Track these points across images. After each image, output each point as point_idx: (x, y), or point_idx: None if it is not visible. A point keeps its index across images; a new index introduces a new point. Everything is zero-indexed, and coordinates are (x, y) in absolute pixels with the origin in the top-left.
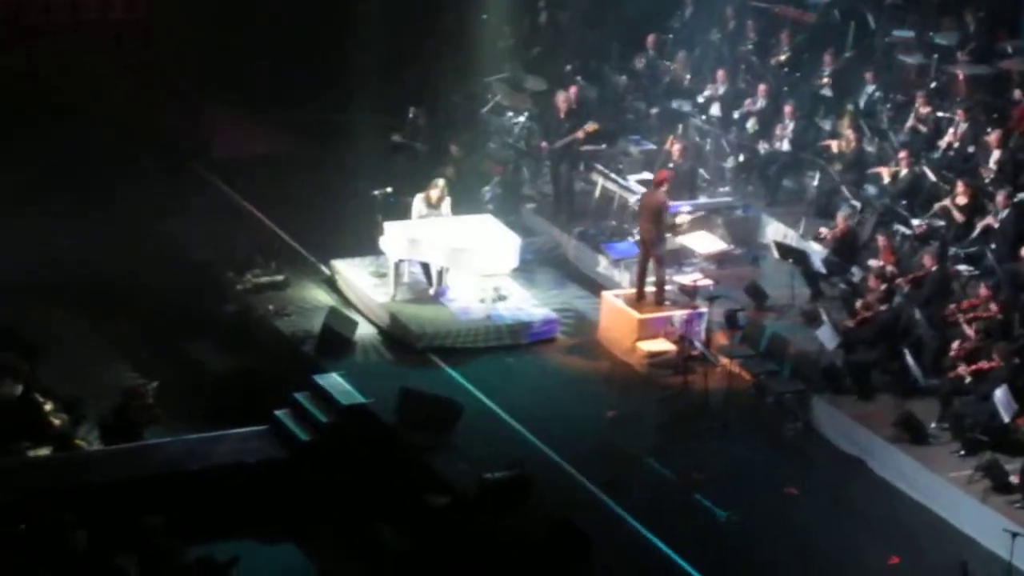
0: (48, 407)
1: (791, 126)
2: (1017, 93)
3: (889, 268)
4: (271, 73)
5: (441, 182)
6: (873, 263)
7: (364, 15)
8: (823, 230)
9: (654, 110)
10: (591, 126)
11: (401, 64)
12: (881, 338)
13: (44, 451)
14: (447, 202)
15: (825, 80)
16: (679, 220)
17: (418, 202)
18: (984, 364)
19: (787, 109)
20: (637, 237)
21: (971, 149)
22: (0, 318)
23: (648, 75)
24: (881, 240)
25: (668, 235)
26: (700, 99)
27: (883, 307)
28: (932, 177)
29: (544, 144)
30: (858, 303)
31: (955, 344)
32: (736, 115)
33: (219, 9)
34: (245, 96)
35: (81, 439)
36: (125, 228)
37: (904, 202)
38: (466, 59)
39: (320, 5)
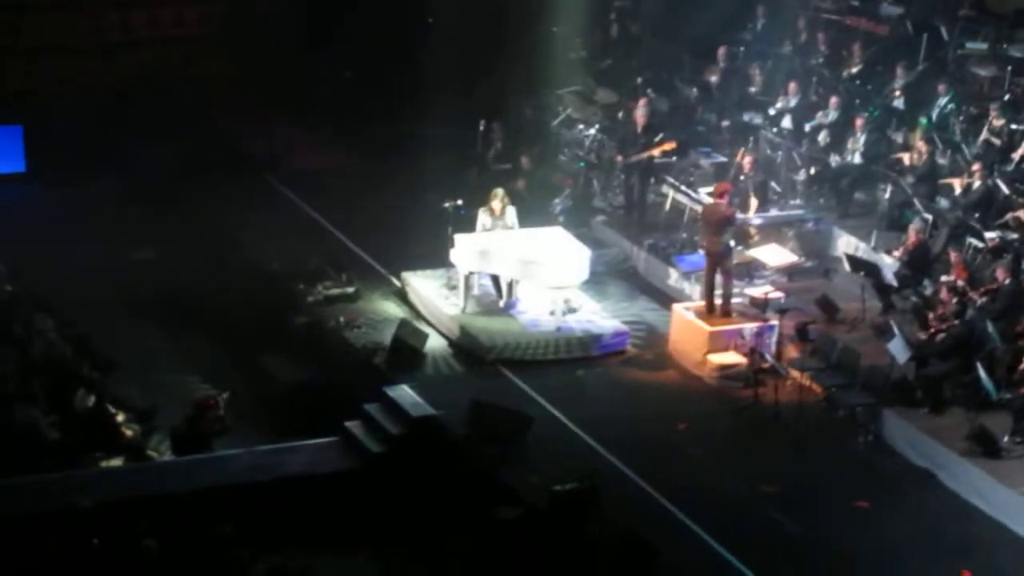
0: (120, 417)
1: (862, 139)
2: None
3: (960, 282)
4: (344, 87)
5: (500, 191)
6: (945, 278)
7: (435, 28)
8: (898, 245)
9: (725, 122)
10: (668, 144)
11: (472, 77)
12: (953, 351)
13: (117, 461)
14: (511, 211)
15: (897, 93)
16: (751, 230)
17: (482, 215)
18: None
19: (858, 122)
20: (703, 249)
21: None
22: (75, 329)
23: (719, 87)
24: (953, 255)
25: (739, 247)
26: (771, 111)
27: (956, 320)
28: (1005, 190)
29: (620, 157)
30: (930, 316)
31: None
32: (807, 128)
33: (292, 24)
34: (318, 110)
35: (153, 450)
36: (198, 240)
37: (977, 215)
38: (537, 71)
39: (391, 19)
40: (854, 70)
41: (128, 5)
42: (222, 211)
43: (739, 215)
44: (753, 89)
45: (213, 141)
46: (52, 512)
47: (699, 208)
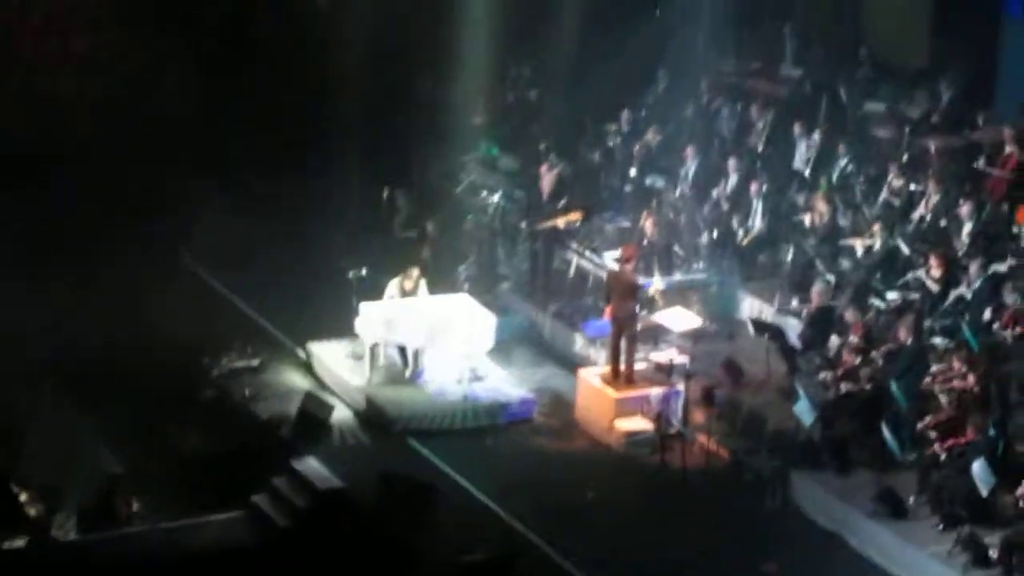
0: (24, 496)
1: (759, 204)
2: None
3: (855, 338)
4: (248, 152)
5: (416, 272)
6: (850, 339)
7: (341, 87)
8: (796, 303)
9: (628, 186)
10: (575, 213)
11: (377, 142)
12: (858, 412)
13: (19, 541)
14: (423, 290)
15: (803, 159)
16: (652, 294)
17: (392, 288)
18: (961, 438)
19: (753, 187)
20: (606, 311)
21: (944, 221)
22: None
23: (621, 151)
24: (849, 314)
25: (643, 311)
26: (675, 176)
27: (861, 381)
28: (906, 250)
29: (524, 224)
30: (831, 376)
31: (928, 417)
32: (714, 194)
33: (197, 88)
34: (221, 175)
35: (58, 528)
36: (102, 309)
37: (879, 275)
38: (439, 137)
39: (296, 84)
40: (759, 145)
41: (31, 73)
42: (125, 281)
43: (643, 280)
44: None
45: (115, 209)
46: None
47: (604, 274)
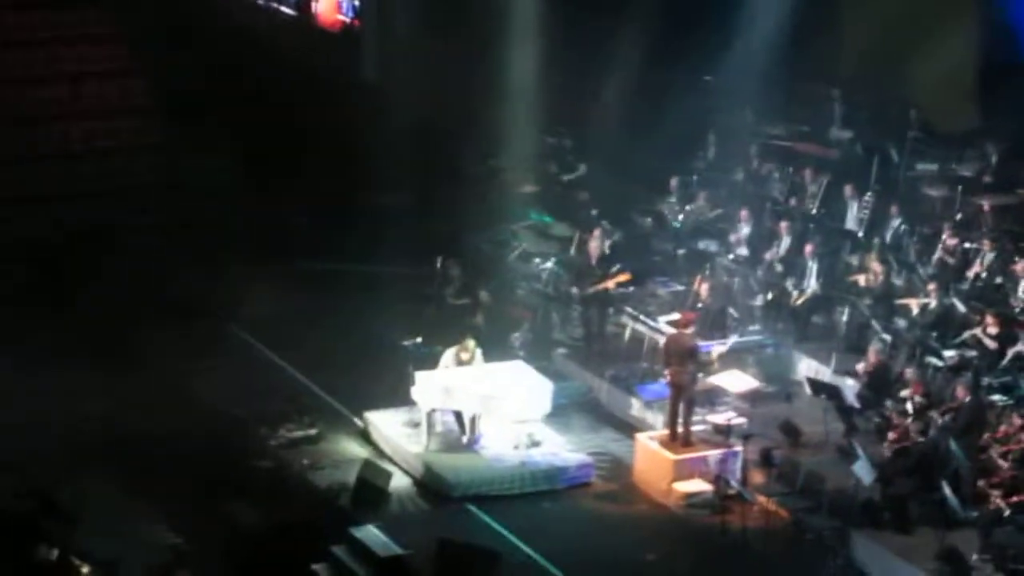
0: (84, 570)
1: (814, 266)
2: None
3: (919, 399)
4: (295, 225)
5: (472, 344)
6: (905, 393)
7: (389, 163)
8: (860, 367)
9: (680, 251)
10: (623, 275)
11: (427, 213)
12: (918, 471)
13: None
14: (479, 360)
15: (856, 220)
16: (712, 357)
17: (448, 358)
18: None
19: (808, 248)
20: (666, 378)
21: (999, 279)
22: (33, 482)
23: (672, 217)
24: (908, 372)
25: (700, 374)
26: (733, 238)
27: (920, 439)
28: (961, 308)
29: (575, 290)
30: (891, 435)
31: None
32: (767, 256)
33: (241, 167)
34: (269, 251)
35: None
36: (156, 387)
37: (935, 334)
38: (490, 206)
39: (343, 154)
40: (812, 207)
41: (74, 157)
42: (177, 357)
43: (703, 343)
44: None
45: (164, 286)
46: None
47: (659, 337)
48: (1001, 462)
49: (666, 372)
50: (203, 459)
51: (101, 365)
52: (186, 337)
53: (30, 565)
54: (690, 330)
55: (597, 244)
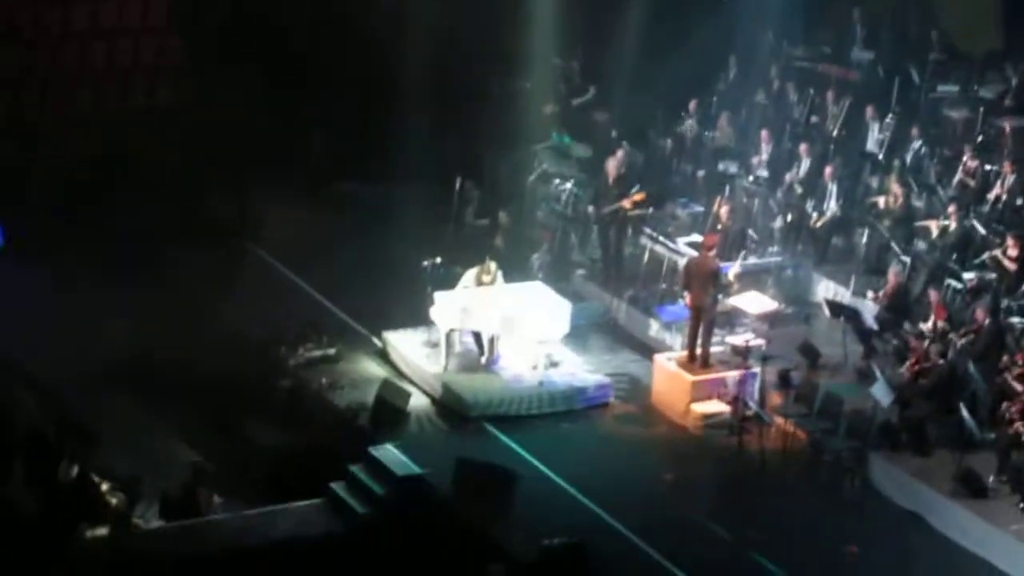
0: (105, 487)
1: (834, 188)
2: None
3: (940, 323)
4: (317, 147)
5: (494, 266)
6: (922, 325)
7: (409, 86)
8: (871, 294)
9: (701, 172)
10: (637, 195)
11: (447, 134)
12: (936, 393)
13: (102, 531)
14: (499, 282)
15: (877, 142)
16: (731, 278)
17: (468, 279)
18: None
19: (827, 170)
20: (686, 300)
21: (1020, 201)
22: (57, 399)
23: (693, 138)
24: (932, 295)
25: (720, 296)
26: (751, 160)
27: (940, 361)
28: (982, 230)
29: (593, 209)
30: (910, 358)
31: (1007, 403)
32: (787, 178)
33: (265, 89)
34: (291, 172)
35: (139, 518)
36: (177, 307)
37: (954, 256)
38: (511, 127)
39: (364, 77)
40: (835, 130)
41: (99, 78)
42: (199, 278)
43: (723, 265)
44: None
45: (187, 208)
46: None
47: (678, 258)
48: (1018, 386)
49: (685, 294)
50: (223, 378)
51: (126, 285)
52: (209, 258)
53: (51, 482)
54: (713, 253)
55: (614, 164)
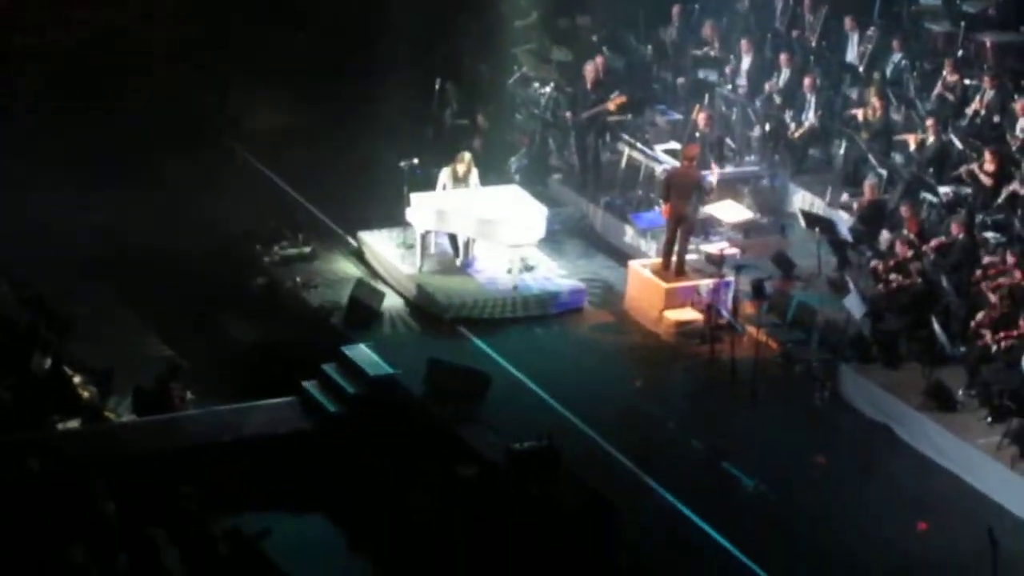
0: (78, 379)
1: (813, 99)
2: None
3: (912, 236)
4: (298, 46)
5: (468, 156)
6: (903, 233)
7: None
8: (846, 197)
9: (680, 80)
10: (618, 99)
11: (427, 36)
12: (909, 307)
13: (74, 423)
14: (474, 175)
15: (857, 54)
16: (711, 181)
17: (444, 175)
18: (1011, 332)
19: (806, 81)
20: (662, 209)
21: (998, 117)
22: (32, 289)
23: (674, 46)
24: (904, 209)
25: (698, 205)
26: (727, 69)
27: (911, 275)
28: (959, 145)
29: (571, 115)
30: (882, 268)
31: (980, 313)
32: (766, 88)
33: None
34: (272, 70)
35: (111, 411)
36: (154, 202)
37: (931, 170)
38: (492, 30)
39: None
40: (812, 40)
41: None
42: (177, 172)
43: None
44: (707, 48)
45: (169, 102)
46: (6, 476)
47: (655, 165)
48: (992, 299)
49: (662, 203)
50: (198, 274)
51: (104, 178)
52: (188, 154)
53: (24, 372)
54: (694, 163)
55: (592, 69)
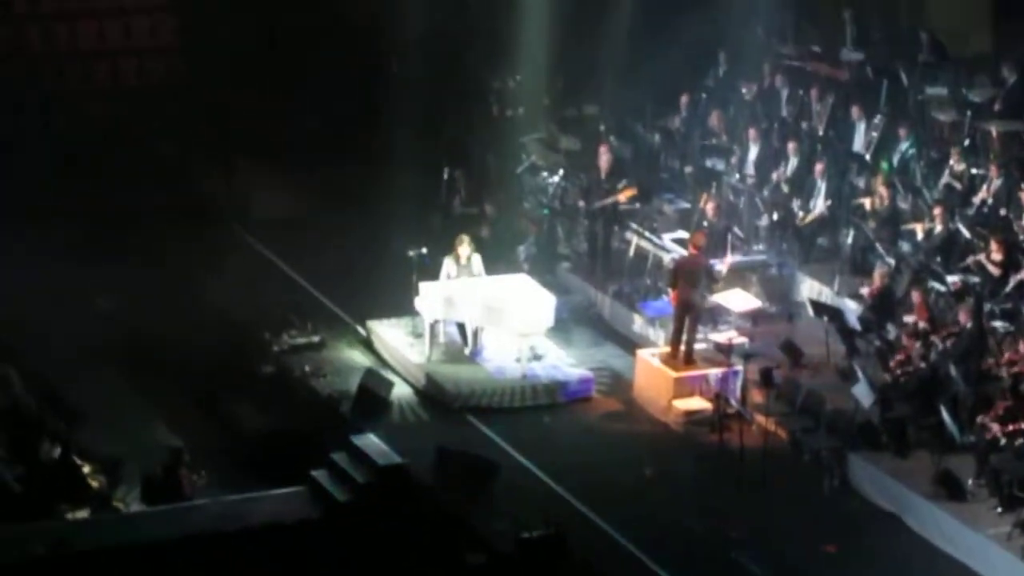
0: (87, 469)
1: (823, 186)
2: None
3: (922, 324)
4: (306, 133)
5: (466, 238)
6: (909, 319)
7: (398, 76)
8: (864, 290)
9: (688, 168)
10: (628, 190)
11: (435, 125)
12: (917, 394)
13: (83, 513)
14: (477, 258)
15: (864, 142)
16: (720, 270)
17: (447, 263)
18: (1021, 422)
19: (818, 167)
20: (670, 296)
21: (1005, 206)
22: (39, 380)
23: (682, 134)
24: (915, 296)
25: (705, 293)
26: (733, 159)
27: (920, 363)
28: (966, 233)
29: (582, 203)
30: (893, 360)
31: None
32: (774, 176)
33: (255, 71)
34: (279, 156)
35: (119, 500)
36: (162, 288)
37: (939, 258)
38: (500, 120)
39: (353, 66)
40: (820, 129)
41: (91, 56)
42: (185, 259)
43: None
44: (714, 139)
45: (176, 189)
46: (13, 564)
47: (663, 254)
48: (1003, 388)
49: (670, 291)
50: (206, 362)
51: (112, 262)
52: (196, 239)
53: (33, 461)
54: (701, 251)
55: (606, 159)
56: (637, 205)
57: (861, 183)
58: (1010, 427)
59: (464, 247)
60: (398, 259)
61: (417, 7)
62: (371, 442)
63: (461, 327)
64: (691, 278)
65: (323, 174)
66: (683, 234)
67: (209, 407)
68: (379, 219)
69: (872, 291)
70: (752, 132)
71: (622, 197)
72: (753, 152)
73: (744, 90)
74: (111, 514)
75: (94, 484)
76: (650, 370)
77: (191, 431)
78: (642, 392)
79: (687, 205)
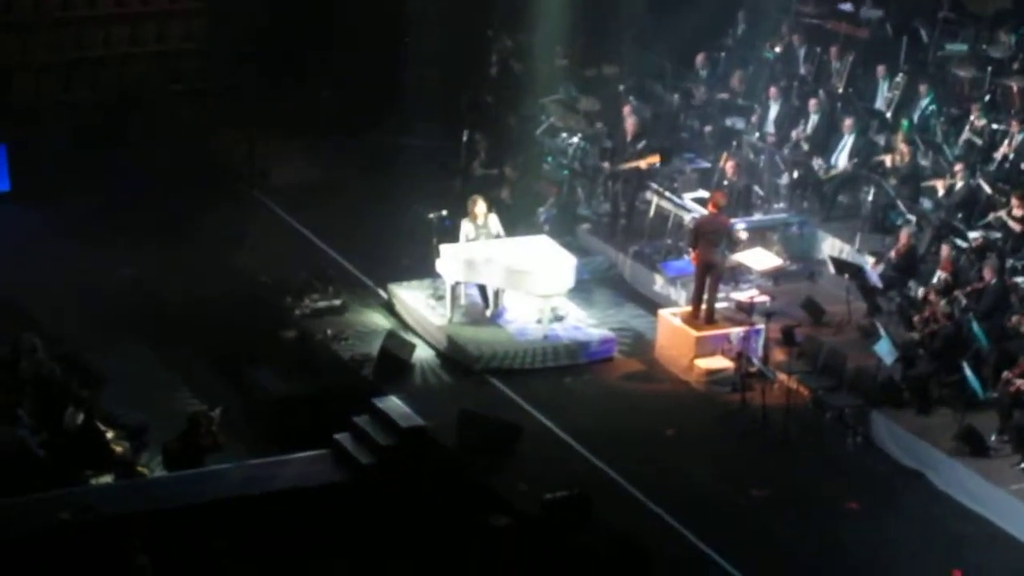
0: (110, 434)
1: (850, 140)
2: None
3: (945, 276)
4: (326, 99)
5: (479, 198)
6: (934, 277)
7: (417, 40)
8: (891, 251)
9: (708, 128)
10: (651, 157)
11: (455, 87)
12: (940, 352)
13: (107, 478)
14: (493, 218)
15: (884, 100)
16: (743, 235)
17: (465, 224)
18: None
19: (846, 123)
20: (691, 256)
21: None
22: (63, 347)
23: (701, 93)
24: (944, 250)
25: (727, 252)
26: (754, 117)
27: (946, 321)
28: (988, 189)
29: (606, 164)
30: (916, 317)
31: (1020, 360)
32: (794, 135)
33: (275, 37)
34: (300, 122)
35: (143, 466)
36: (184, 255)
37: (960, 215)
38: (519, 80)
39: (373, 32)
40: (840, 86)
41: (110, 21)
42: (208, 226)
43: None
44: (728, 95)
45: (198, 156)
46: (40, 531)
47: (683, 214)
48: None
49: (691, 251)
50: (229, 327)
51: (133, 231)
52: (218, 205)
53: (57, 427)
54: (721, 210)
55: (632, 121)
56: (657, 165)
57: (881, 140)
58: None
59: (479, 206)
60: (418, 222)
61: None
62: (393, 405)
63: (482, 289)
64: (712, 238)
65: (342, 139)
66: (704, 194)
67: (232, 372)
68: (399, 183)
69: (899, 250)
70: (772, 90)
71: (643, 164)
72: (773, 111)
73: (773, 49)
74: (136, 479)
75: (118, 450)
76: (671, 330)
77: (214, 397)
78: (663, 352)
79: (707, 165)
